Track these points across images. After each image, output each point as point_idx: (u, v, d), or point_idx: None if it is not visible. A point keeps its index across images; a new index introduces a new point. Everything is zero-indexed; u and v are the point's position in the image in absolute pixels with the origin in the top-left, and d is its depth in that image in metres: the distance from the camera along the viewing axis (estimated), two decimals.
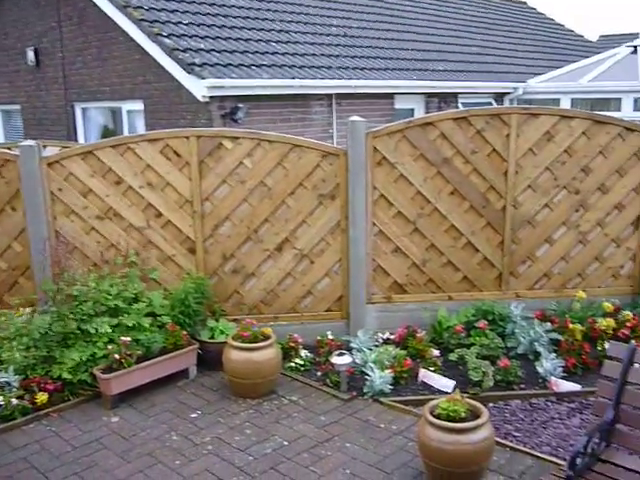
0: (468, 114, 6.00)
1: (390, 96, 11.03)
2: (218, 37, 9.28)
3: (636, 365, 3.63)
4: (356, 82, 10.04)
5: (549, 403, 5.20)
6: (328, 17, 12.38)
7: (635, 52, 13.48)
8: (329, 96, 9.85)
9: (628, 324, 5.88)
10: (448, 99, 12.17)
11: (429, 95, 11.71)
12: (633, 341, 5.60)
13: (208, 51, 8.71)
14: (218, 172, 5.89)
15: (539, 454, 4.44)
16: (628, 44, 14.06)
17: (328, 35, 11.48)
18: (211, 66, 8.37)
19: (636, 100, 12.61)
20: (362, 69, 10.63)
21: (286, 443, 4.62)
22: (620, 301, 6.33)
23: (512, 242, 6.25)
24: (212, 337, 5.76)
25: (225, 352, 5.35)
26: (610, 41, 21.59)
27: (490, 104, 12.96)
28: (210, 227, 5.97)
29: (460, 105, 12.36)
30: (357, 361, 5.53)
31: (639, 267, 6.46)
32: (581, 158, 6.17)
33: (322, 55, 10.45)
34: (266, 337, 5.39)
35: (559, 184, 6.18)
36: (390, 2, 15.05)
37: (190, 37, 8.85)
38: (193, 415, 5.05)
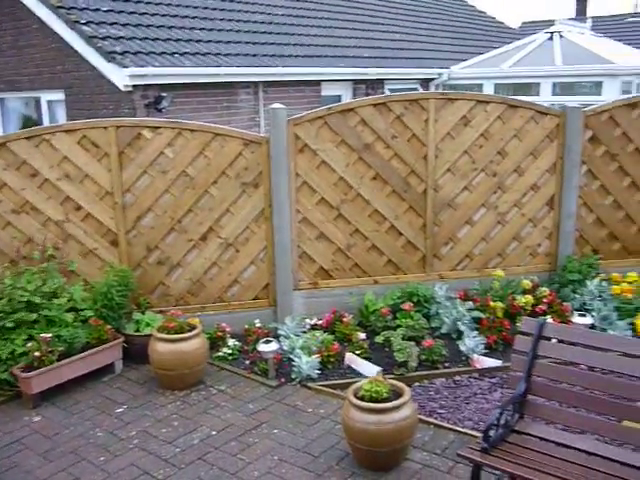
0: (387, 100, 6.08)
1: (317, 83, 11.04)
2: (140, 24, 9.07)
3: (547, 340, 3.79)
4: (282, 70, 10.02)
5: (472, 379, 5.36)
6: (253, 4, 12.26)
7: (552, 39, 13.92)
8: (255, 84, 9.80)
9: (545, 300, 6.12)
10: (375, 85, 12.28)
11: (356, 82, 11.80)
12: (549, 316, 5.87)
13: (129, 39, 8.51)
14: (139, 162, 5.79)
15: (461, 429, 4.58)
16: (546, 30, 14.51)
17: (254, 22, 11.39)
18: (133, 54, 8.18)
19: (555, 84, 13.06)
20: (289, 56, 10.60)
21: (214, 433, 4.62)
22: (538, 278, 6.58)
23: (434, 225, 6.40)
24: (138, 330, 5.68)
25: (151, 344, 5.29)
26: (531, 28, 22.24)
27: (416, 90, 13.16)
28: (132, 219, 5.87)
29: (387, 91, 12.50)
30: (285, 348, 5.57)
31: (555, 245, 6.72)
32: (497, 141, 6.36)
33: (248, 43, 10.36)
34: (192, 327, 5.36)
35: (477, 167, 6.36)
36: None
37: (110, 24, 8.62)
38: (119, 410, 4.98)
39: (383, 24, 15.07)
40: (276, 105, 5.97)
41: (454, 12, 19.52)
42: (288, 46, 11.09)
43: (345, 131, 6.02)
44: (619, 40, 25.65)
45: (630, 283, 6.30)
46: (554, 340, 3.83)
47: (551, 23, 15.95)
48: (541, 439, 3.65)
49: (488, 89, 13.31)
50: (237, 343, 5.84)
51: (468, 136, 6.28)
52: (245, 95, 9.70)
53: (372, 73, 11.89)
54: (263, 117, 9.90)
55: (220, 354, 5.73)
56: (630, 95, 7.35)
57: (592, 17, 32.66)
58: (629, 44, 23.66)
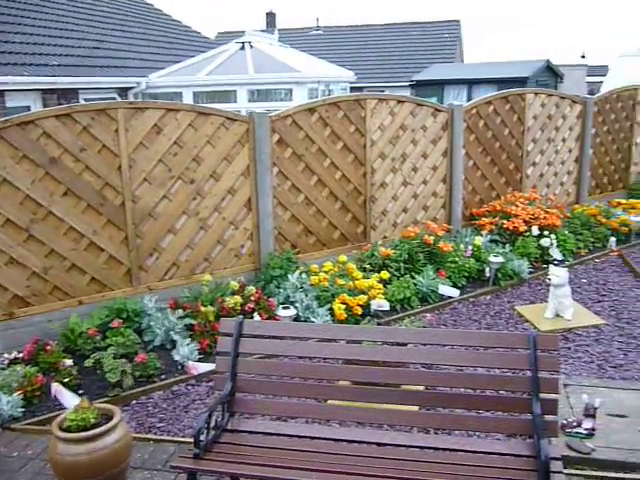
0: (71, 111, 5.77)
1: (1, 94, 10.07)
2: None
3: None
4: None
5: (190, 387, 5.36)
6: None
7: (243, 48, 14.58)
8: None
9: (253, 298, 6.36)
10: (69, 95, 11.60)
11: (46, 92, 11.02)
12: (257, 313, 6.12)
13: None
14: None
15: (181, 439, 4.54)
16: (237, 40, 15.15)
17: None
18: None
19: (251, 91, 13.71)
20: None
21: None
22: (245, 278, 6.82)
23: (136, 237, 6.25)
24: None
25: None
26: (226, 38, 23.02)
27: (114, 99, 12.76)
28: None
29: (82, 101, 11.89)
30: None
31: (257, 244, 7.03)
32: (191, 149, 6.44)
33: None
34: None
35: (174, 175, 6.37)
36: None
37: None
38: None
39: (76, 30, 14.31)
40: None
41: (151, 21, 19.35)
42: None
43: (27, 145, 5.56)
44: (305, 51, 27.92)
45: (326, 272, 6.87)
46: (254, 336, 3.98)
47: (242, 34, 16.70)
48: (253, 433, 3.76)
49: (187, 97, 13.46)
50: None
51: (162, 145, 6.25)
52: None
53: (63, 82, 11.21)
54: None
55: None
56: (310, 100, 7.96)
57: (281, 29, 35.01)
58: (313, 54, 25.88)
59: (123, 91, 13.29)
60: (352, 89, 24.67)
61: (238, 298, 6.29)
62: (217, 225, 6.74)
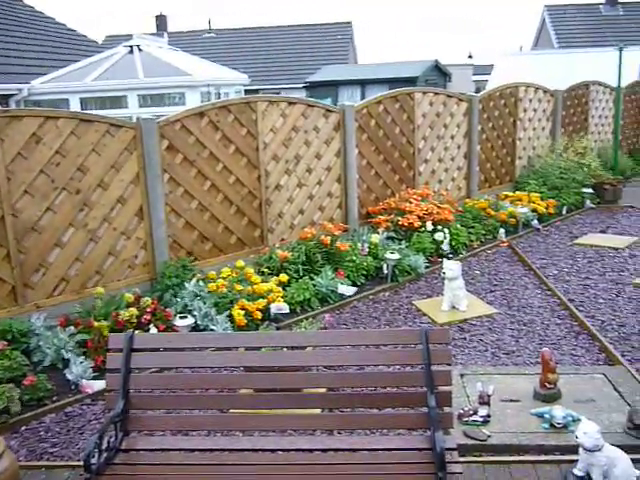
0: None
1: None
2: None
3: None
4: None
5: (85, 407, 5.12)
6: None
7: (132, 52, 14.17)
8: None
9: (149, 309, 6.16)
10: None
11: None
12: (152, 324, 5.94)
13: None
14: None
15: (76, 462, 4.32)
16: (125, 44, 14.70)
17: None
18: None
19: (142, 96, 13.35)
20: None
21: None
22: (141, 289, 6.59)
23: (19, 252, 5.89)
24: None
25: None
26: (115, 41, 22.29)
27: None
28: None
29: None
30: None
31: (151, 254, 6.81)
32: (75, 158, 6.14)
33: None
34: None
35: (58, 186, 6.06)
36: None
37: None
38: None
39: None
40: None
41: (33, 24, 18.44)
42: None
43: None
44: (197, 54, 27.52)
45: (224, 278, 6.76)
46: (147, 350, 3.84)
47: (130, 37, 16.23)
48: (150, 451, 3.62)
49: (74, 104, 12.93)
50: None
51: (43, 155, 5.93)
52: None
53: None
54: None
55: None
56: (199, 104, 7.82)
57: (172, 33, 34.39)
58: (206, 58, 25.57)
59: (3, 98, 12.60)
60: (247, 92, 24.56)
61: (134, 310, 6.07)
62: (107, 236, 6.47)
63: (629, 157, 14.94)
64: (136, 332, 3.81)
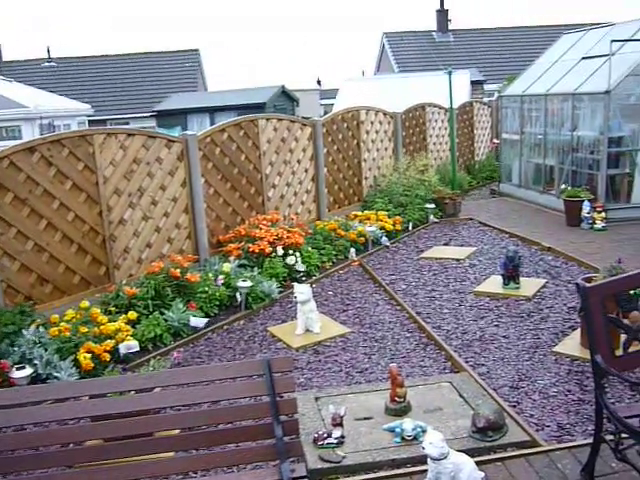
0: None
1: None
2: None
3: None
4: None
5: None
6: None
7: None
8: None
9: None
10: None
11: None
12: None
13: None
14: None
15: None
16: None
17: None
18: None
19: None
20: None
21: None
22: None
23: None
24: None
25: None
26: None
27: None
28: None
29: None
30: None
31: None
32: None
33: None
34: None
35: None
36: None
37: None
38: None
39: None
40: None
41: None
42: None
43: None
44: (36, 84, 26.19)
45: (68, 321, 6.37)
46: None
47: None
48: None
49: None
50: None
51: None
52: None
53: None
54: None
55: None
56: (28, 139, 7.38)
57: (6, 62, 32.54)
58: (46, 88, 24.38)
59: None
60: (94, 122, 23.70)
61: None
62: None
63: (466, 172, 16.02)
64: None
